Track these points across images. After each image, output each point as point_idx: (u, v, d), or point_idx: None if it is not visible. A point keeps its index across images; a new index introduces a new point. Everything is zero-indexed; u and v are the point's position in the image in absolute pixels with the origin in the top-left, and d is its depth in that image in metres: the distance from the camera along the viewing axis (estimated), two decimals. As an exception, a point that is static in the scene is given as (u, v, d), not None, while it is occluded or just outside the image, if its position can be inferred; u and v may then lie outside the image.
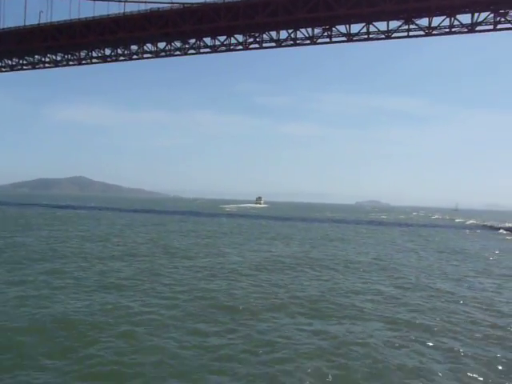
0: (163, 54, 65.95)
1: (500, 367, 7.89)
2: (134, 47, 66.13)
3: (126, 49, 66.37)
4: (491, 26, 51.38)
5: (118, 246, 22.55)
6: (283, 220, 60.02)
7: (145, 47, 65.53)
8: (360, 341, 8.86)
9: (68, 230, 30.51)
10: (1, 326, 8.93)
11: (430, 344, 8.91)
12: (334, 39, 58.37)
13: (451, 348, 8.74)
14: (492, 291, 14.59)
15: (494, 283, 16.16)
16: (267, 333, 9.26)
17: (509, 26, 50.84)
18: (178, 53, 65.16)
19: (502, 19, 50.13)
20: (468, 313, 11.51)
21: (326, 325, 10.04)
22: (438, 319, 10.77)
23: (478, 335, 9.67)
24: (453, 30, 52.76)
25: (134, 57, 67.13)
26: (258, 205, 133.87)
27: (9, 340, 8.29)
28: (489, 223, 69.83)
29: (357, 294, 13.19)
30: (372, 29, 55.46)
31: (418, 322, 10.43)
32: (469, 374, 7.53)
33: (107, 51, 67.13)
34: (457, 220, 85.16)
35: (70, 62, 70.71)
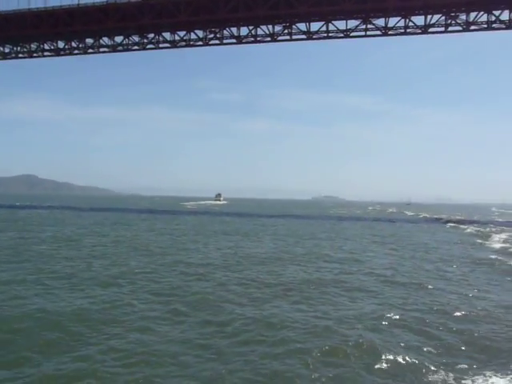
0: (120, 48, 64.04)
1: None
2: (89, 41, 63.84)
3: (80, 42, 63.90)
4: (443, 28, 53.95)
5: (94, 246, 21.90)
6: (249, 217, 60.23)
7: (101, 41, 63.43)
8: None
9: (37, 231, 29.33)
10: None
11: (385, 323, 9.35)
12: (294, 37, 59.07)
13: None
14: (458, 279, 15.50)
15: (459, 271, 17.18)
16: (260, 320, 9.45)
17: (458, 28, 53.57)
18: (136, 47, 63.56)
19: (453, 22, 52.69)
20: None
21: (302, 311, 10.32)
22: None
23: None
24: (407, 30, 54.83)
25: (90, 51, 64.79)
26: (218, 202, 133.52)
27: None
28: (440, 216, 73.64)
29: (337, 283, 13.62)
30: (331, 28, 56.64)
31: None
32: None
33: (60, 44, 64.38)
34: (409, 213, 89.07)
35: (20, 55, 67.20)
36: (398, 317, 10.30)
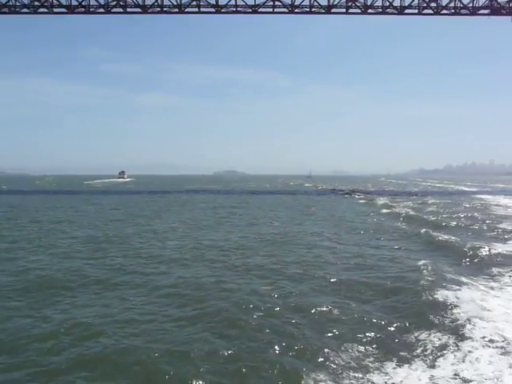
0: (6, 10, 56.96)
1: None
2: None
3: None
4: (344, 10, 57.01)
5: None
6: (161, 194, 59.02)
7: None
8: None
9: None
10: None
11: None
12: (202, 9, 57.83)
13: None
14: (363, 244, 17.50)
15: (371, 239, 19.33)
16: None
17: (358, 11, 57.03)
18: (25, 10, 57.01)
19: (353, 4, 55.88)
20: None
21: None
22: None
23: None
24: (312, 10, 56.98)
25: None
26: (122, 179, 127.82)
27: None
28: (341, 187, 79.77)
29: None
30: (240, 2, 56.50)
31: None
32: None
33: None
34: (310, 185, 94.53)
35: None
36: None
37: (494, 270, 13.02)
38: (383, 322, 8.51)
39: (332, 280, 11.57)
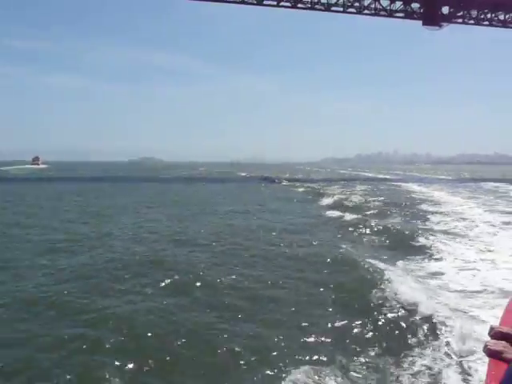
0: None
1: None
2: None
3: None
4: (275, 2, 58.97)
5: None
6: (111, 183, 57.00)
7: None
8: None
9: None
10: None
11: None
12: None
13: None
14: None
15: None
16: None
17: (288, 4, 59.31)
18: None
19: None
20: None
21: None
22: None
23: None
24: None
25: None
26: (36, 166, 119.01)
27: None
28: (267, 175, 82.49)
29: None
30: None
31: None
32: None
33: None
34: (242, 174, 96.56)
35: None
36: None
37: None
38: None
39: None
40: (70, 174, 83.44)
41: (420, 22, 59.28)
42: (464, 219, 21.85)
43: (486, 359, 2.64)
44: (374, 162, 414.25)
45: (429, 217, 22.74)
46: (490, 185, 53.41)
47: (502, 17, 58.43)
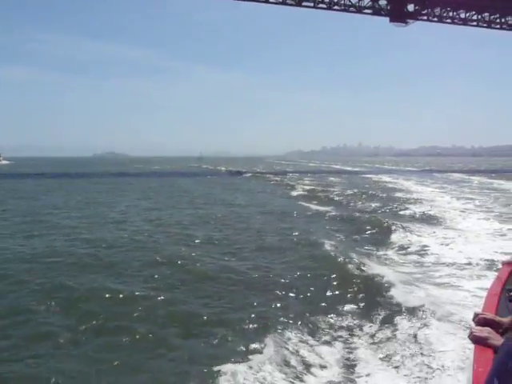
0: None
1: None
2: None
3: None
4: (247, -3, 59.49)
5: None
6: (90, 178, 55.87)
7: None
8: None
9: None
10: None
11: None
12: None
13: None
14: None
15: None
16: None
17: (261, -1, 59.99)
18: None
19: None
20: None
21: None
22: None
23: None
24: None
25: None
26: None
27: None
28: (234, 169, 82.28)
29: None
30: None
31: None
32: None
33: None
34: (220, 168, 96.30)
35: None
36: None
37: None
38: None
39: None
40: (39, 169, 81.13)
41: (387, 19, 61.36)
42: (436, 206, 23.70)
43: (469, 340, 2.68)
44: (339, 154, 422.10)
45: (404, 204, 24.40)
46: (455, 175, 56.93)
47: (462, 15, 61.32)
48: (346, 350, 6.42)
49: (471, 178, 50.44)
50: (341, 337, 6.88)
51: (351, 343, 6.65)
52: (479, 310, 2.97)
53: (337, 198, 27.83)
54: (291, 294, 8.93)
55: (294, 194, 32.10)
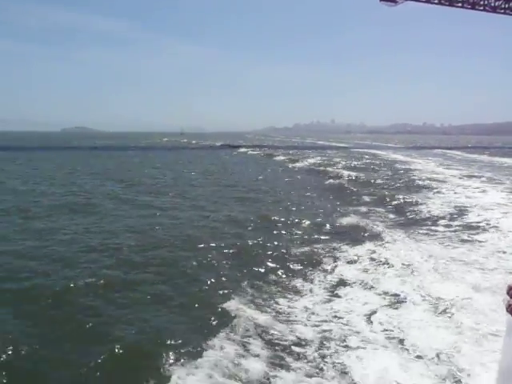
0: None
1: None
2: None
3: None
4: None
5: None
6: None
7: None
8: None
9: None
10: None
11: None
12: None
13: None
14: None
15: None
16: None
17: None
18: None
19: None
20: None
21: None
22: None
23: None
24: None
25: None
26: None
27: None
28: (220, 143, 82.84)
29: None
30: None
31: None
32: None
33: None
34: (202, 142, 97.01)
35: None
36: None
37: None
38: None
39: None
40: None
41: (378, -1, 63.44)
42: (435, 173, 27.42)
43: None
44: (312, 130, 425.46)
45: (407, 172, 27.84)
46: (437, 150, 60.99)
47: (449, -4, 64.04)
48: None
49: (455, 152, 54.48)
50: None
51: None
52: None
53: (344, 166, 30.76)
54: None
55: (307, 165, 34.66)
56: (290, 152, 50.91)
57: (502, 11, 64.43)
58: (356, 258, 9.15)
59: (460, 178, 24.07)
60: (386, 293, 7.29)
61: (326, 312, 6.63)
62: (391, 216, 13.91)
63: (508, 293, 2.50)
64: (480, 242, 10.47)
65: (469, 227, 11.95)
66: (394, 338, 5.75)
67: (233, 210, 14.31)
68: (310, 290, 7.54)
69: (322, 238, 10.83)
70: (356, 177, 24.38)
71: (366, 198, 17.17)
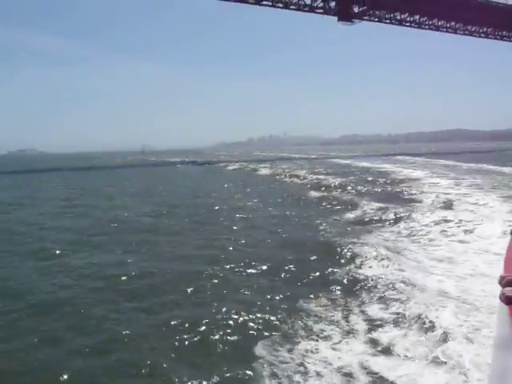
0: None
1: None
2: None
3: None
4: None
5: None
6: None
7: None
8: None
9: None
10: None
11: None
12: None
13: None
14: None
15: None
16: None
17: (222, -4, 63.57)
18: None
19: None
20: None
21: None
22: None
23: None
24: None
25: None
26: None
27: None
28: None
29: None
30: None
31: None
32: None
33: None
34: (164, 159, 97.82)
35: None
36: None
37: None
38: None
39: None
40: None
41: (336, 18, 68.26)
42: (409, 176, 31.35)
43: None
44: (268, 144, 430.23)
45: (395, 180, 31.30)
46: (398, 157, 66.64)
47: (398, 17, 70.11)
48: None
49: (415, 159, 59.64)
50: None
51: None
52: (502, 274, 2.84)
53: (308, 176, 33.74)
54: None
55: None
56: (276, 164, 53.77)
57: (427, 27, 72.43)
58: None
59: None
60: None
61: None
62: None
63: (500, 283, 2.48)
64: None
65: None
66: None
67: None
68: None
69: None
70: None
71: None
